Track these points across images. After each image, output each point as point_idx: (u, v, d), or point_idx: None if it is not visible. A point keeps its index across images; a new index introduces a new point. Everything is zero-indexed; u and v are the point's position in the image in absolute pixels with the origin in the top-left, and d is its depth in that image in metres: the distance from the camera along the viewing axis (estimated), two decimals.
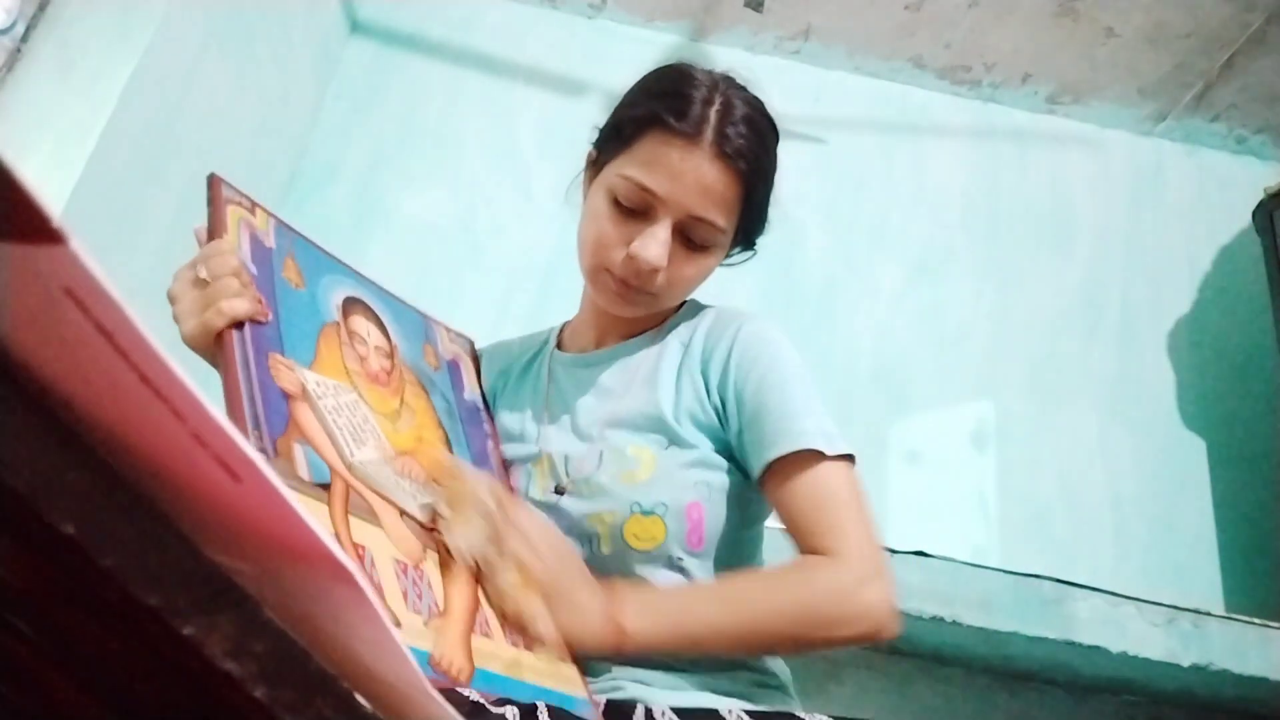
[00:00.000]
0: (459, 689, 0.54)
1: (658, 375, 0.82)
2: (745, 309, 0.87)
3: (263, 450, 0.53)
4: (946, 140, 2.23)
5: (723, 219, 0.78)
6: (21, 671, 0.29)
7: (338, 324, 0.71)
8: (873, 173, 2.19)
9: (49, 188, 1.31)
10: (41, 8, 1.41)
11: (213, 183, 0.68)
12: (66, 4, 1.42)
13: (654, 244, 0.76)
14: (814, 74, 2.26)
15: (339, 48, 2.16)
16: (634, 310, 0.82)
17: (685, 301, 0.90)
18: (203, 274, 0.61)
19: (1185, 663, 1.42)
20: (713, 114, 0.77)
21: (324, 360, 0.65)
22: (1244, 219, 2.04)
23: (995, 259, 2.14)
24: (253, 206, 0.69)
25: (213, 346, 0.60)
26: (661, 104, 0.77)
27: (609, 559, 0.76)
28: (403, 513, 0.61)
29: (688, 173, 0.75)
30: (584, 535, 0.77)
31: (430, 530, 0.62)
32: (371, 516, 0.57)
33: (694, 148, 0.75)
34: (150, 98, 1.45)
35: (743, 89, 0.82)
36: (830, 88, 2.25)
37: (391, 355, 0.76)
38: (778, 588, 0.70)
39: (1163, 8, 1.94)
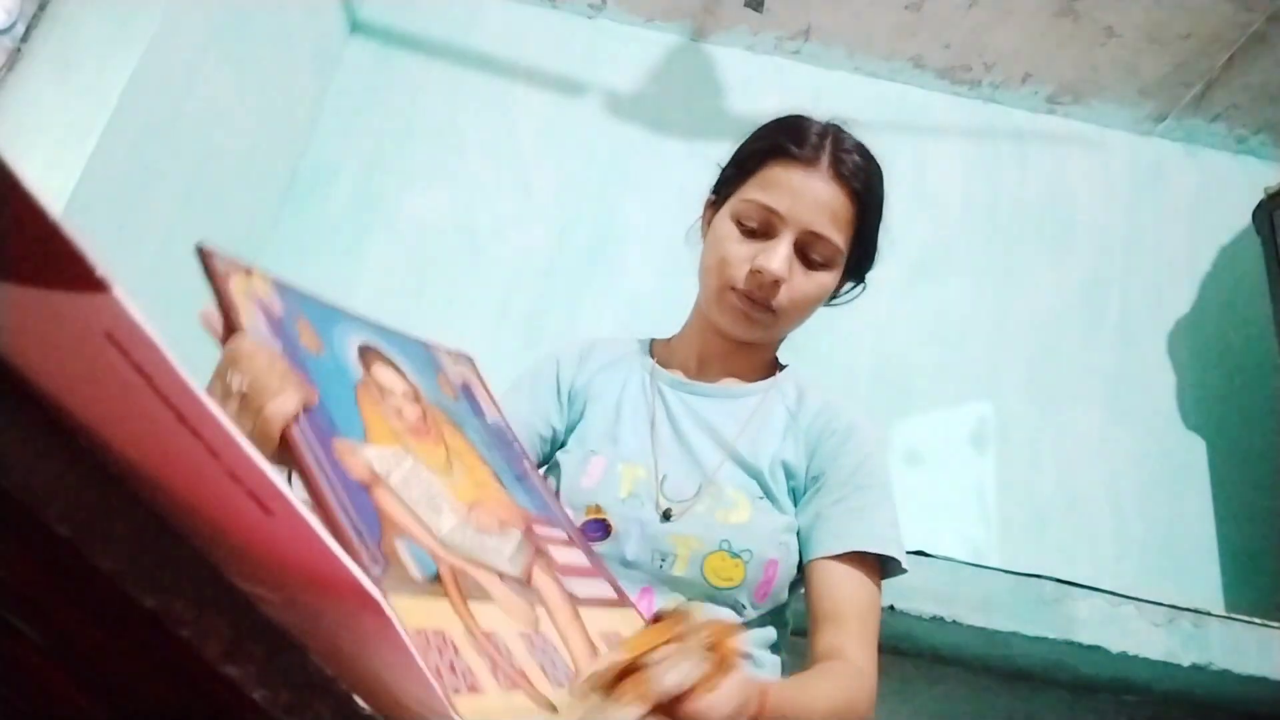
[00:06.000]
0: None
1: (765, 431, 0.86)
2: (850, 402, 0.92)
3: (375, 561, 0.48)
4: (946, 140, 2.23)
5: (839, 236, 0.84)
6: (21, 671, 0.29)
7: (365, 381, 0.65)
8: None
9: (49, 188, 1.30)
10: (41, 8, 1.41)
11: (205, 256, 0.59)
12: (66, 4, 1.42)
13: (776, 257, 0.82)
14: (814, 74, 2.26)
15: (339, 48, 2.16)
16: (754, 331, 0.87)
17: (785, 366, 0.96)
18: (237, 386, 0.55)
19: (1185, 663, 1.42)
20: (828, 143, 0.84)
21: (373, 428, 0.60)
22: (1244, 219, 2.04)
23: (995, 259, 2.14)
24: (249, 271, 0.63)
25: (277, 452, 0.55)
26: (781, 137, 0.85)
27: (675, 580, 0.78)
28: (501, 575, 0.58)
29: (807, 192, 0.82)
30: (658, 550, 0.78)
31: (527, 584, 0.60)
32: (481, 592, 0.54)
33: (813, 169, 0.83)
34: (150, 98, 1.46)
35: (849, 132, 0.89)
36: (830, 88, 2.25)
37: (418, 399, 0.71)
38: (843, 689, 0.74)
39: (1163, 8, 1.94)
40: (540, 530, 0.69)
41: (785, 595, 0.83)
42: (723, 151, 0.96)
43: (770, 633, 0.83)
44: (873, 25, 2.12)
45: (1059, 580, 1.48)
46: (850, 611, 0.77)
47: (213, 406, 0.22)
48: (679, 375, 0.93)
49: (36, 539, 0.23)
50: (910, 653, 1.62)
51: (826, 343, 1.99)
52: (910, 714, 1.62)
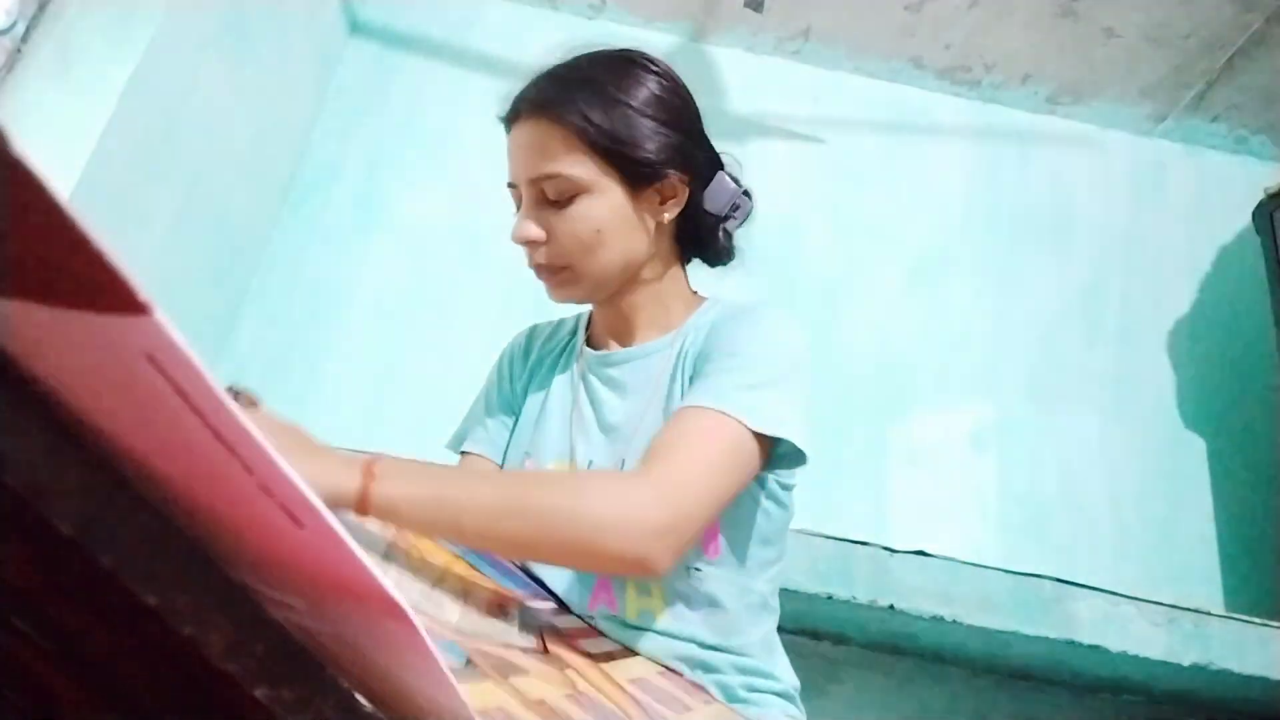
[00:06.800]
0: None
1: (674, 381, 0.81)
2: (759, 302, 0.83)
3: None
4: (946, 141, 2.23)
5: (564, 163, 0.76)
6: (21, 671, 0.29)
7: None
8: (873, 173, 2.19)
9: None
10: (41, 8, 1.41)
11: None
12: (66, 4, 1.42)
13: (515, 227, 0.79)
14: (814, 74, 2.26)
15: (339, 48, 2.16)
16: (569, 292, 0.84)
17: (705, 299, 0.88)
18: None
19: (1185, 662, 1.42)
20: (521, 91, 0.79)
21: None
22: (1244, 219, 2.04)
23: (995, 259, 2.14)
24: None
25: None
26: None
27: None
28: (522, 650, 0.58)
29: (512, 150, 0.79)
30: None
31: (545, 652, 0.60)
32: (513, 668, 0.54)
33: (511, 127, 0.79)
34: (150, 98, 1.46)
35: (577, 55, 0.81)
36: (830, 88, 2.25)
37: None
38: (553, 479, 0.66)
39: (1163, 8, 1.94)
40: (534, 604, 0.69)
41: (754, 543, 0.77)
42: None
43: (751, 584, 0.77)
44: (873, 25, 2.12)
45: (1059, 580, 1.48)
46: (655, 445, 0.66)
47: (248, 424, 0.22)
48: (599, 350, 0.88)
49: (38, 538, 0.23)
50: (910, 652, 1.62)
51: (827, 343, 1.99)
52: (911, 713, 1.62)
